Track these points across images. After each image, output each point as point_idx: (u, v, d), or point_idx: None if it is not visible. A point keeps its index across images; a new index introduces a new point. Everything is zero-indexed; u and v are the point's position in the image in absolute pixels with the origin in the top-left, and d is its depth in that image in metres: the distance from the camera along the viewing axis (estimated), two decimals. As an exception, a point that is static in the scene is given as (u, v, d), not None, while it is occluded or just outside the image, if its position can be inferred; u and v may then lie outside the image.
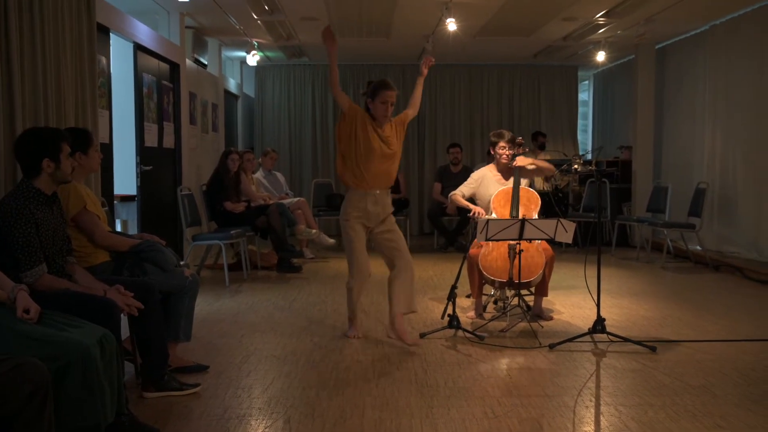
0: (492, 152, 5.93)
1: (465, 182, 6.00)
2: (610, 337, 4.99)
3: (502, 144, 5.77)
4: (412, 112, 5.22)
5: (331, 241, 8.80)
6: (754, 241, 8.31)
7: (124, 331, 3.80)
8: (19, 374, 2.19)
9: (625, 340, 4.99)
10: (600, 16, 8.62)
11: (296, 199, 9.01)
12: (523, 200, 5.67)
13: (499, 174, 5.87)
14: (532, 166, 5.75)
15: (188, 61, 8.73)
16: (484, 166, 6.29)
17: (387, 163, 5.01)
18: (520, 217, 5.39)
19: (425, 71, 5.20)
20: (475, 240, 5.51)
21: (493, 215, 5.64)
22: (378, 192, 5.01)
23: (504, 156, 5.77)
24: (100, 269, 3.97)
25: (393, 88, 4.91)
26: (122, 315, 3.42)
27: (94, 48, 5.16)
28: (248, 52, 10.34)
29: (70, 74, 4.77)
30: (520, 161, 5.71)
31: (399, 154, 5.11)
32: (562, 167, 9.69)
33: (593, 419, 3.64)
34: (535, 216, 5.62)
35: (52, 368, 2.58)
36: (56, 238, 3.46)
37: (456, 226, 10.07)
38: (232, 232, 7.58)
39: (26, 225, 3.25)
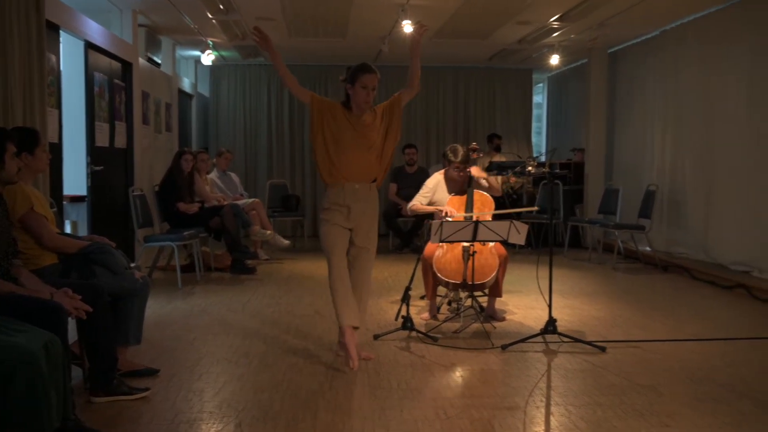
0: (446, 165, 5.98)
1: (420, 192, 6.05)
2: (562, 337, 5.06)
3: (456, 164, 5.82)
4: (407, 92, 4.78)
5: (286, 242, 8.76)
6: (702, 242, 8.47)
7: (72, 335, 3.74)
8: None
9: (576, 340, 5.06)
10: (554, 20, 8.72)
11: (251, 200, 8.95)
12: (477, 203, 5.71)
13: (449, 187, 5.95)
14: (485, 182, 5.81)
15: (141, 60, 8.61)
16: (439, 168, 6.32)
17: (364, 154, 4.59)
18: (474, 219, 5.43)
19: (419, 39, 4.73)
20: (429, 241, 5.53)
21: (447, 217, 5.67)
22: (357, 186, 4.58)
23: (457, 177, 5.83)
24: (48, 272, 3.89)
25: (374, 71, 4.57)
26: (70, 318, 3.36)
27: (43, 45, 5.07)
28: (203, 52, 10.24)
29: (18, 72, 4.68)
30: (475, 172, 5.77)
31: (384, 145, 4.68)
32: (516, 169, 9.81)
33: (543, 419, 3.68)
34: (489, 218, 5.66)
35: (-5, 375, 2.53)
36: (1, 240, 3.38)
37: (411, 227, 10.10)
38: (185, 233, 7.50)
39: (-31, 227, 3.18)
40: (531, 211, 5.87)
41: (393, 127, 4.72)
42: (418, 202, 5.97)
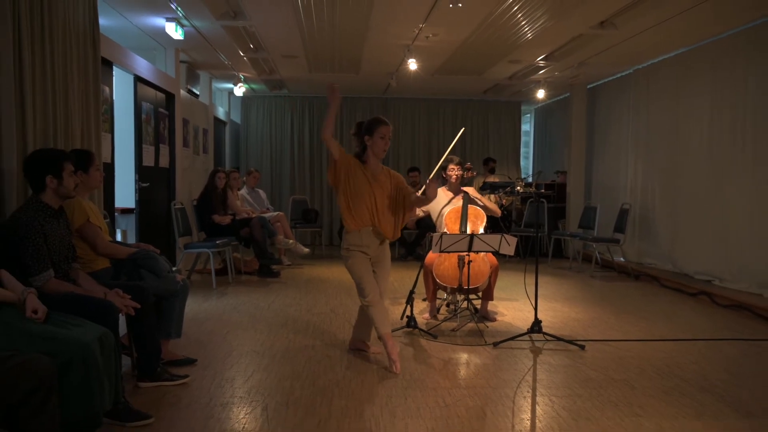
0: (444, 175, 5.98)
1: None
2: (546, 336, 5.06)
3: (451, 166, 5.86)
4: (411, 198, 4.52)
5: (306, 250, 8.78)
6: (669, 254, 8.46)
7: (123, 329, 3.77)
8: (26, 369, 2.16)
9: (558, 339, 5.06)
10: (540, 60, 8.76)
11: (276, 213, 8.99)
12: (471, 217, 5.72)
13: (450, 192, 5.92)
14: (480, 203, 5.79)
15: (182, 92, 8.67)
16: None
17: (378, 202, 4.43)
18: (469, 232, 5.44)
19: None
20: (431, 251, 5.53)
21: (445, 230, 5.68)
22: (371, 228, 4.44)
23: (453, 176, 5.85)
24: (101, 274, 3.92)
25: (389, 123, 4.46)
26: (120, 315, 3.39)
27: (98, 79, 5.11)
28: (235, 84, 10.34)
29: (77, 101, 4.72)
30: (471, 191, 5.78)
31: (395, 203, 4.49)
32: (507, 189, 9.84)
33: (530, 408, 3.68)
34: (481, 230, 5.67)
35: (56, 363, 2.55)
36: (62, 246, 3.42)
37: (414, 238, 10.11)
38: (218, 241, 7.53)
39: (36, 235, 3.22)
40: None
41: (402, 189, 4.52)
42: (422, 211, 5.96)
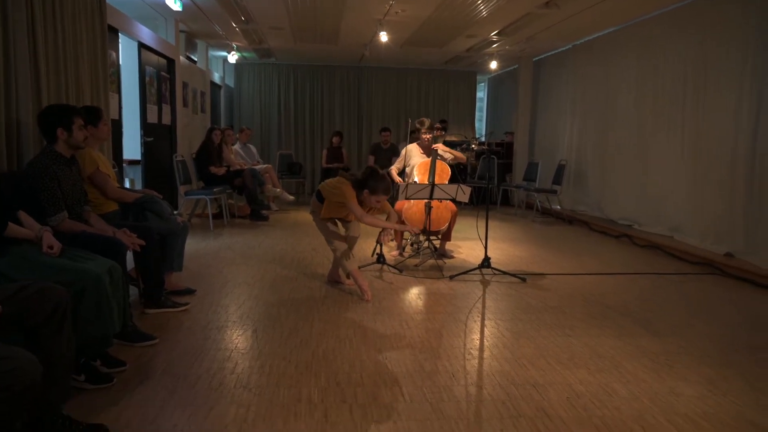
0: (416, 134, 5.93)
1: (398, 158, 6.02)
2: (494, 270, 5.10)
3: (423, 131, 5.78)
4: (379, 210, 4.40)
5: (291, 198, 8.69)
6: (598, 202, 8.54)
7: (131, 264, 3.70)
8: (44, 295, 2.09)
9: (504, 273, 5.10)
10: (494, 35, 8.61)
11: (265, 166, 8.84)
12: (438, 171, 5.68)
13: (423, 152, 5.88)
14: (450, 156, 5.76)
15: (182, 58, 8.39)
16: (408, 143, 6.27)
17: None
18: (436, 183, 5.41)
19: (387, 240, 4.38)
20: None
21: (416, 179, 5.65)
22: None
23: (425, 140, 5.79)
24: (111, 216, 3.81)
25: (389, 192, 4.31)
26: (128, 251, 3.32)
27: (105, 44, 4.89)
28: (228, 52, 10.03)
29: (86, 65, 4.52)
30: (440, 148, 5.73)
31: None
32: (462, 146, 9.77)
33: (479, 329, 3.71)
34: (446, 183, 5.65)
35: (70, 291, 2.48)
36: (75, 191, 3.30)
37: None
38: (215, 189, 7.40)
39: (50, 181, 3.10)
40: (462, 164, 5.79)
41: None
42: (396, 168, 5.94)
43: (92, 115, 3.82)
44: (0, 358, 1.67)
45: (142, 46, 6.74)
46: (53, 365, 2.10)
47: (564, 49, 9.70)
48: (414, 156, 5.87)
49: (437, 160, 5.65)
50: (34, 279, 2.27)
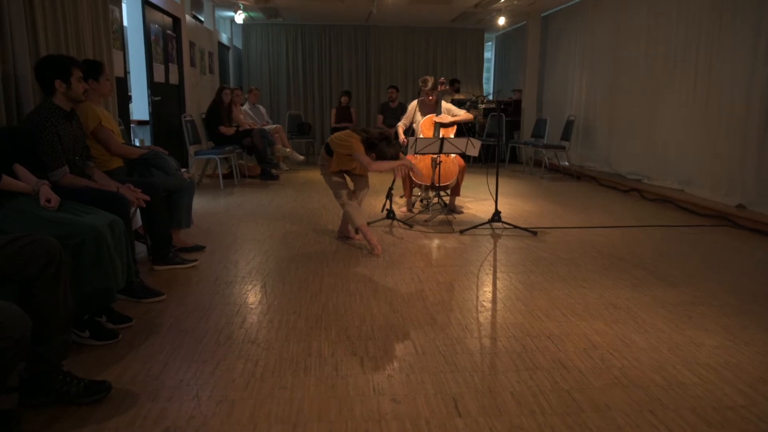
0: (421, 93, 5.66)
1: (405, 115, 5.76)
2: (504, 224, 4.92)
3: (426, 90, 5.51)
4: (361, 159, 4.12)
5: (301, 157, 8.46)
6: (606, 158, 8.28)
7: (139, 222, 3.54)
8: (36, 247, 1.92)
9: (515, 227, 4.92)
10: (502, -12, 8.23)
11: (274, 126, 8.61)
12: (442, 129, 5.44)
13: (425, 109, 5.63)
14: (449, 118, 5.45)
15: (188, 17, 8.08)
16: (416, 100, 6.02)
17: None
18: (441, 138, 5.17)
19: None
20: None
21: (421, 135, 5.41)
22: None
23: (429, 99, 5.53)
24: (116, 173, 3.64)
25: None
26: (135, 208, 3.14)
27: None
28: (235, 12, 9.68)
29: (87, 20, 4.27)
30: (445, 106, 5.46)
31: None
32: (467, 105, 9.47)
33: (491, 282, 3.56)
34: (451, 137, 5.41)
35: (69, 245, 2.32)
36: (76, 145, 3.11)
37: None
38: (225, 149, 7.21)
39: (49, 134, 2.90)
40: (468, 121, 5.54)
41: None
42: (403, 124, 5.69)
43: (93, 69, 3.60)
44: None
45: (146, 2, 6.44)
46: (48, 320, 1.95)
47: (572, 3, 9.28)
48: (417, 115, 5.64)
49: (440, 128, 5.39)
50: (29, 233, 2.10)
